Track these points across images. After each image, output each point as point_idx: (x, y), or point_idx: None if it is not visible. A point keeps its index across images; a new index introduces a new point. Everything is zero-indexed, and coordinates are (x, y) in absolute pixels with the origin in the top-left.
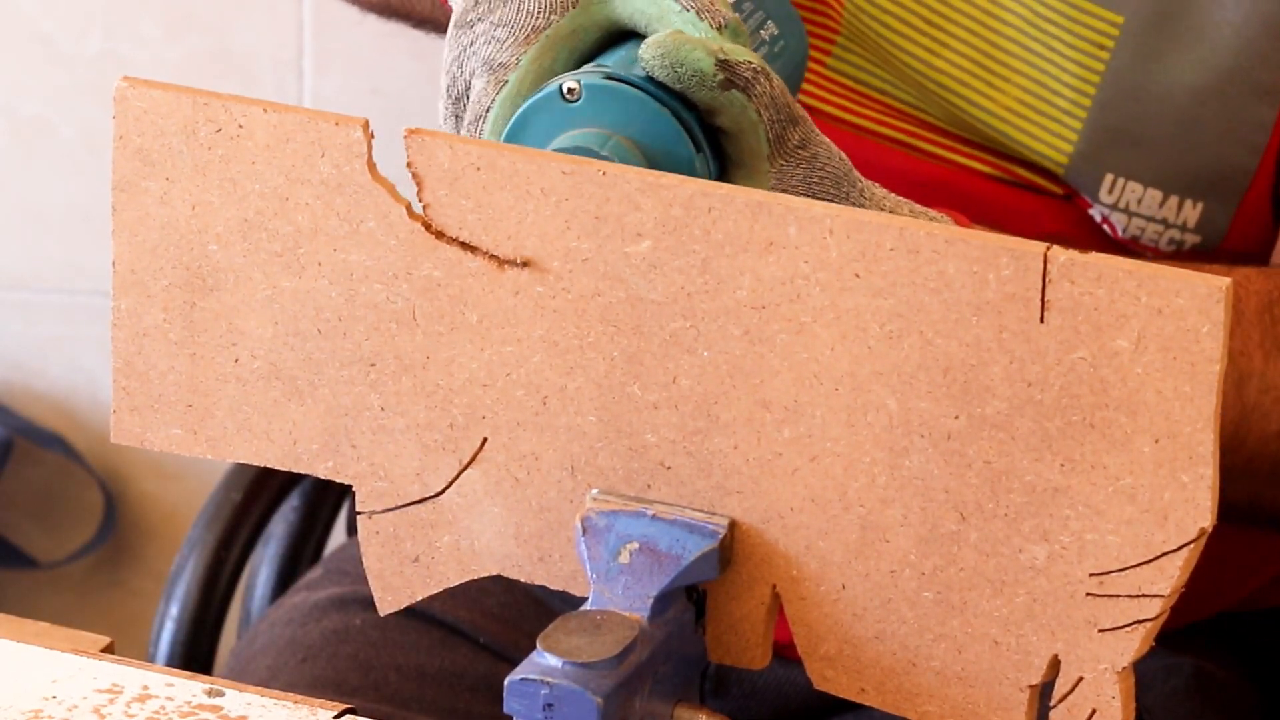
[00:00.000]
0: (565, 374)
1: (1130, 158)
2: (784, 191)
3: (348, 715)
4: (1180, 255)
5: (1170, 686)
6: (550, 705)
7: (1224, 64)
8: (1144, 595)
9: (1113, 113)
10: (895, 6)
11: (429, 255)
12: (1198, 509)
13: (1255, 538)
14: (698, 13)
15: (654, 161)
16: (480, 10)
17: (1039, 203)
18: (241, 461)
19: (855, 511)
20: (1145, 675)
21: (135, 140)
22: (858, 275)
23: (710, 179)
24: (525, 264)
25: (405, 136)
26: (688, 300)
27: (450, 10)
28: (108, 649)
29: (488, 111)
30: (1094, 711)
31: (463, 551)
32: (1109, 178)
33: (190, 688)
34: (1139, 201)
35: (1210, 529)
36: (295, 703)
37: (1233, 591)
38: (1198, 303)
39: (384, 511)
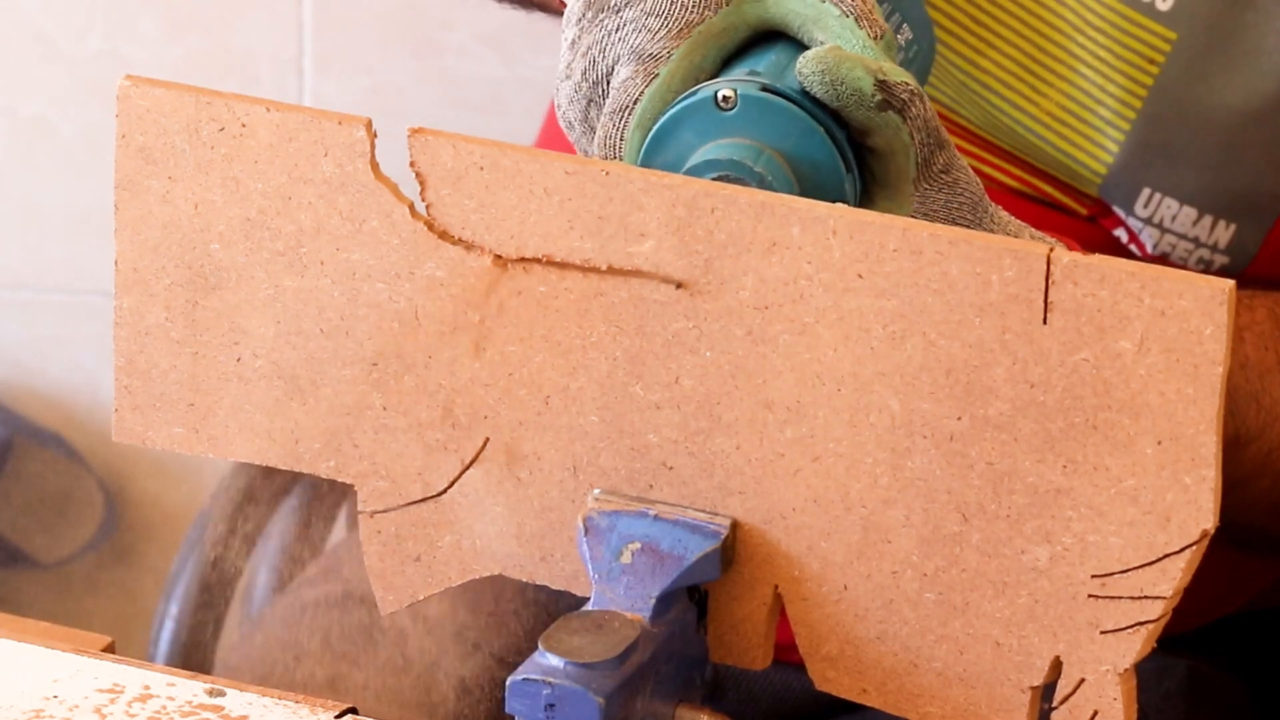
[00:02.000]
0: (568, 374)
1: (1169, 174)
2: (926, 215)
3: (349, 715)
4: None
5: (1164, 688)
6: (552, 705)
7: (1271, 90)
8: (1146, 597)
9: (1157, 128)
10: (944, 3)
11: (431, 255)
12: (1200, 511)
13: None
14: (857, 19)
15: (804, 178)
16: None
17: (1063, 222)
18: (243, 460)
19: (857, 512)
20: (1139, 676)
21: (138, 139)
22: (861, 276)
23: (856, 199)
24: (528, 263)
25: (409, 136)
26: (690, 300)
27: None
28: (108, 649)
29: (635, 103)
30: (1096, 713)
31: (464, 551)
32: (1146, 192)
33: (191, 687)
34: (1173, 218)
35: (1213, 531)
36: (297, 702)
37: (1233, 598)
38: (1201, 304)
39: (385, 511)
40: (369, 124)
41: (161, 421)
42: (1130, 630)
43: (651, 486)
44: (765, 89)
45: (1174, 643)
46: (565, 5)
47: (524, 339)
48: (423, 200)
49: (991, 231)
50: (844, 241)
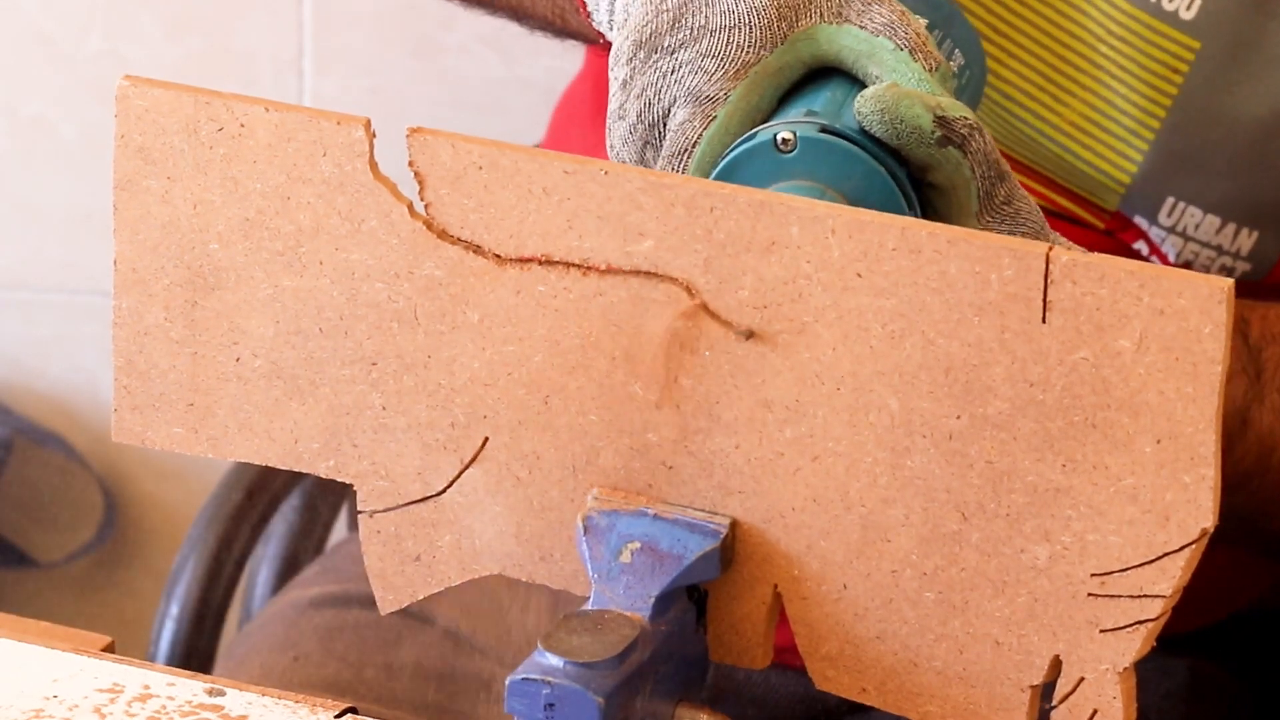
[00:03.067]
0: (567, 373)
1: (1193, 183)
2: None
3: (349, 715)
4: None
5: (1165, 688)
6: (552, 705)
7: None
8: (1145, 596)
9: (1180, 137)
10: (964, 13)
11: (431, 254)
12: (1199, 509)
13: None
14: (911, 53)
15: None
16: (681, 37)
17: (1079, 236)
18: (242, 460)
19: (857, 511)
20: (1140, 677)
21: (137, 139)
22: (860, 275)
23: None
24: (527, 263)
25: (407, 135)
26: (689, 300)
27: (589, 22)
28: (108, 648)
29: (694, 146)
30: (1095, 712)
31: (464, 551)
32: (1170, 201)
33: (191, 687)
34: (1196, 227)
35: (1212, 529)
36: (296, 701)
37: (1234, 598)
38: (1200, 303)
39: (385, 511)
40: (368, 124)
41: (161, 421)
42: (1130, 629)
43: (651, 486)
44: (824, 130)
45: (1175, 643)
46: (601, 34)
47: (523, 338)
48: (421, 200)
49: None
50: (843, 241)
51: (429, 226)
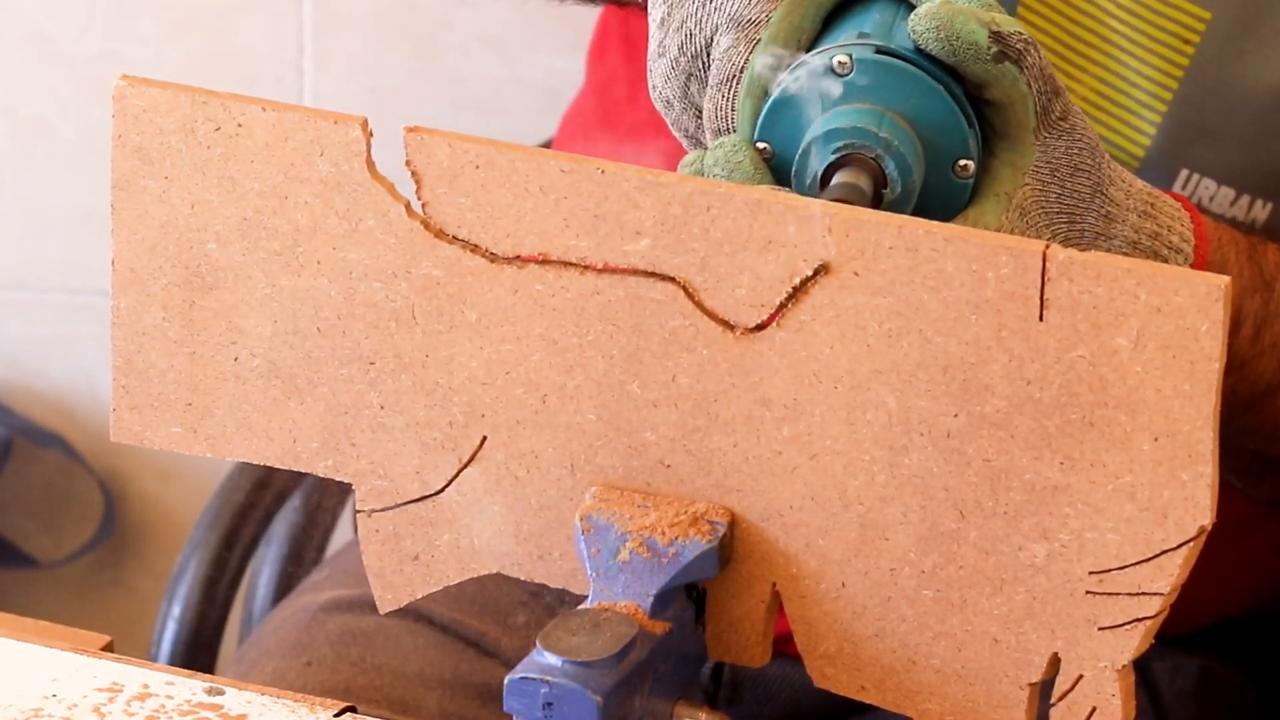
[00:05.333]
0: (565, 372)
1: (1207, 155)
2: (1049, 164)
3: (347, 714)
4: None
5: (1177, 687)
6: (550, 704)
7: None
8: (1144, 593)
9: (1193, 109)
10: None
11: (428, 253)
12: (1197, 507)
13: (1264, 547)
14: None
15: (926, 138)
16: None
17: None
18: (241, 460)
19: (855, 509)
20: (1152, 675)
21: (134, 139)
22: (857, 274)
23: (979, 155)
24: (524, 262)
25: (404, 134)
26: (686, 298)
27: None
28: (107, 648)
29: (741, 71)
30: (1094, 709)
31: (462, 550)
32: (1184, 173)
33: (190, 686)
34: (1211, 199)
35: (1210, 527)
36: (295, 701)
37: (1247, 597)
38: (1197, 301)
39: (384, 510)
40: (364, 123)
41: (159, 421)
42: (1128, 626)
43: (649, 484)
44: (880, 51)
45: (1187, 642)
46: None
47: (521, 337)
48: (419, 199)
49: (1109, 177)
50: (840, 239)
51: (426, 226)
